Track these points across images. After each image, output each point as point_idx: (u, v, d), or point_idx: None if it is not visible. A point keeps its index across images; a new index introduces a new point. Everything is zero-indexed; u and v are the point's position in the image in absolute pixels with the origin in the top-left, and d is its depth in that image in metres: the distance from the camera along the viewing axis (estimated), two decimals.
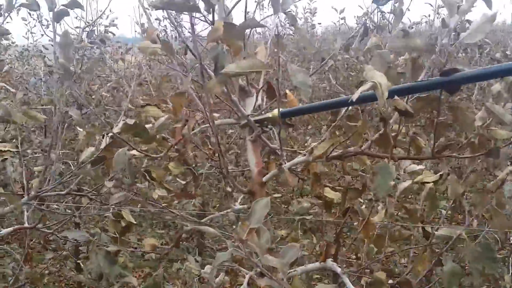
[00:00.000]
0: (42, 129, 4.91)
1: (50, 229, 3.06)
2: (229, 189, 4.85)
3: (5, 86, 2.13)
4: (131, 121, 1.72)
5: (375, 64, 1.45)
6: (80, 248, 4.51)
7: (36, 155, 3.78)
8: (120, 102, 5.30)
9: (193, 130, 1.93)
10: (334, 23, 6.44)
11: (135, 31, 7.82)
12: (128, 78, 6.38)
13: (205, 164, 3.67)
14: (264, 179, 1.70)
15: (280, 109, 1.63)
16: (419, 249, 1.99)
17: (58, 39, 1.76)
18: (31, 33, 7.04)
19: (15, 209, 1.85)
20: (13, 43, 6.61)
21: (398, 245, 2.50)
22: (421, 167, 1.99)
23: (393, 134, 1.44)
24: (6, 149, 1.95)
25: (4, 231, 2.35)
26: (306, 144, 3.28)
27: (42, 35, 7.47)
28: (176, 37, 7.10)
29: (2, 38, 2.10)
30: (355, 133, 1.47)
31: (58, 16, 1.76)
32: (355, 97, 1.26)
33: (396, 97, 1.31)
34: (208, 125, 1.89)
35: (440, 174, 2.08)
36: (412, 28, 4.37)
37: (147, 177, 1.81)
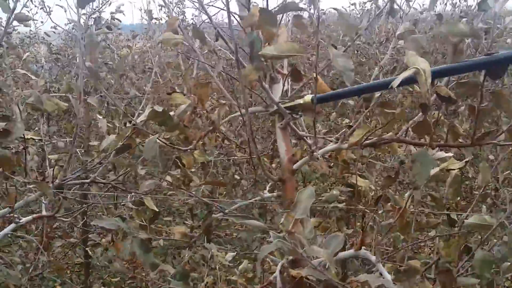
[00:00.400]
0: (43, 117, 4.88)
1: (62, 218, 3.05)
2: (237, 176, 4.85)
3: (26, 73, 2.10)
4: (159, 108, 1.70)
5: (409, 49, 1.43)
6: (89, 236, 4.52)
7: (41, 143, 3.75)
8: (123, 89, 5.27)
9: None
10: (345, 8, 6.40)
11: (142, 17, 7.75)
12: (130, 66, 6.33)
13: (213, 152, 3.66)
14: (294, 166, 1.68)
15: (313, 95, 1.61)
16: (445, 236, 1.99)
17: (72, 26, 1.74)
18: (33, 20, 6.97)
19: (44, 197, 1.84)
20: (14, 30, 6.53)
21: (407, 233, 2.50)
22: (449, 154, 1.98)
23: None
24: (29, 137, 1.92)
25: (24, 219, 2.33)
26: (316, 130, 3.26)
27: (42, 22, 7.39)
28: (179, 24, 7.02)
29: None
30: (392, 120, 1.46)
31: (83, 2, 1.73)
32: (396, 82, 1.24)
33: (439, 83, 1.29)
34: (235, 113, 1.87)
35: (466, 161, 2.07)
36: (422, 14, 4.33)
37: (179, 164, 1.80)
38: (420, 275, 1.47)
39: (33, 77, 2.03)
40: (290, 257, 1.66)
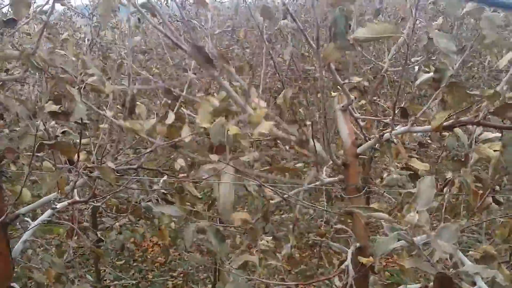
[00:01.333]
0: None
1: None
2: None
3: (65, 54, 2.02)
4: None
5: (485, 28, 1.38)
6: (102, 219, 4.45)
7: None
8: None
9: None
10: None
11: None
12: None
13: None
14: (358, 150, 1.63)
15: None
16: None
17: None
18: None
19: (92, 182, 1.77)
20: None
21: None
22: (496, 134, 1.94)
23: None
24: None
25: (60, 205, 2.28)
26: None
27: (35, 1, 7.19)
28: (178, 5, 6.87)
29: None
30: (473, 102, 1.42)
31: None
32: None
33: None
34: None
35: None
36: None
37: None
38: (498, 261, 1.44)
39: (73, 58, 1.95)
40: (358, 244, 1.63)
